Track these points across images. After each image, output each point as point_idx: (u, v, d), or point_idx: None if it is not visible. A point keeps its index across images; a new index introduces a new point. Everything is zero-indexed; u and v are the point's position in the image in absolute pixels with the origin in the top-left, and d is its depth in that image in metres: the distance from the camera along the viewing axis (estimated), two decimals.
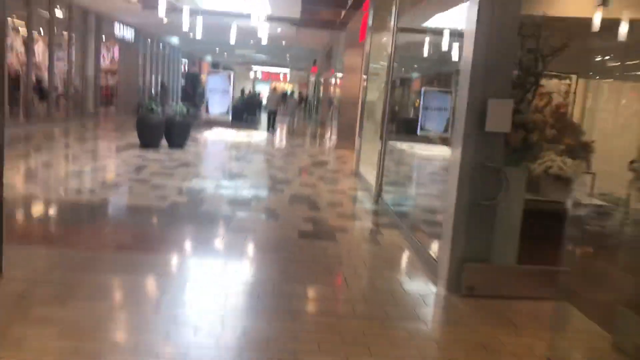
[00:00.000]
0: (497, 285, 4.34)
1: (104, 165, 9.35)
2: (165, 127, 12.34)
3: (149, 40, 26.95)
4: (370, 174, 9.56)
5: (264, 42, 16.06)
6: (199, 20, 14.82)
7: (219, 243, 5.38)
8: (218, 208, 6.82)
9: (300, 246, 5.41)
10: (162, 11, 12.01)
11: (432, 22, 6.89)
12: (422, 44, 8.61)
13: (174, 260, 4.77)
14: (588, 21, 6.22)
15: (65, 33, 17.70)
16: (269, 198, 7.71)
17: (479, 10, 4.17)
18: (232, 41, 15.58)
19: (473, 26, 4.21)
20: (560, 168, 5.03)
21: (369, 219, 7.03)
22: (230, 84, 21.26)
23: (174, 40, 31.21)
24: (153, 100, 12.29)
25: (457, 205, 4.36)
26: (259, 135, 18.31)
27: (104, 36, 21.70)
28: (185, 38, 32.74)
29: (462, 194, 4.35)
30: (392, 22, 7.92)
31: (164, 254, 4.85)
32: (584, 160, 5.35)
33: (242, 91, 39.96)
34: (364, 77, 10.84)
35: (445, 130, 7.78)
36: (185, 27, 13.47)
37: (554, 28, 4.54)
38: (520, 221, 4.40)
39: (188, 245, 5.32)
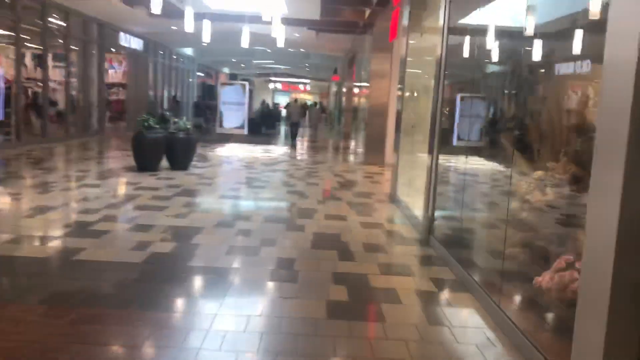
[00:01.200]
0: None
1: (82, 197, 7.59)
2: (166, 146, 10.58)
3: (161, 51, 25.47)
4: (411, 199, 7.62)
5: (280, 44, 14.22)
6: (208, 24, 13.11)
7: (196, 338, 3.47)
8: (213, 262, 4.94)
9: (333, 337, 3.49)
10: (155, 7, 10.29)
11: (497, 19, 5.09)
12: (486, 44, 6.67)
13: None
14: None
15: (61, 43, 16.18)
16: (286, 241, 5.82)
17: None
18: (245, 44, 13.74)
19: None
20: None
21: (424, 272, 5.08)
22: (245, 96, 19.53)
23: (188, 51, 29.75)
24: (151, 114, 10.51)
25: (616, 284, 2.42)
26: (277, 150, 16.49)
27: (111, 48, 20.24)
28: (200, 49, 31.33)
29: (623, 267, 2.41)
30: (441, 20, 6.04)
31: None
32: None
33: (263, 103, 38.55)
34: (399, 85, 8.92)
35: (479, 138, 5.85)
36: (189, 28, 11.72)
37: None
38: None
39: (148, 345, 3.44)
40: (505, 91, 4.95)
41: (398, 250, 5.73)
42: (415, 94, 8.39)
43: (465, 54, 5.79)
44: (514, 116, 4.68)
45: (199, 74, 35.47)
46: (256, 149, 16.76)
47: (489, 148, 5.08)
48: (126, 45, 20.76)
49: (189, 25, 11.81)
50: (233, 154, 14.91)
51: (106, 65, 27.66)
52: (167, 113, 22.63)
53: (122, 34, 20.08)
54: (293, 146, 19.61)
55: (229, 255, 5.15)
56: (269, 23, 13.29)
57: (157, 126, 10.37)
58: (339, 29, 18.33)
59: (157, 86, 25.36)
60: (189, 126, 10.88)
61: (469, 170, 5.39)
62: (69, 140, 15.89)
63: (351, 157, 16.15)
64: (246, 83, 20.02)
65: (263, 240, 5.76)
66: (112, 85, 27.29)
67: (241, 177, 10.50)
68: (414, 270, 5.06)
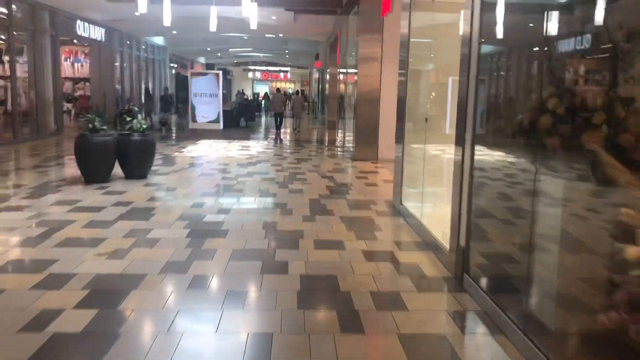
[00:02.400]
0: None
1: None
2: (118, 151, 8.74)
3: (127, 41, 23.37)
4: (423, 209, 5.91)
5: (253, 25, 12.37)
6: (168, 6, 11.19)
7: None
8: (140, 356, 3.18)
9: None
10: None
11: None
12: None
13: None
14: None
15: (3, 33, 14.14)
16: (261, 295, 4.07)
17: None
18: (214, 28, 11.88)
19: None
20: None
21: (469, 346, 3.37)
22: (219, 87, 17.63)
23: (158, 41, 27.66)
24: (99, 113, 8.63)
25: None
26: (256, 146, 14.67)
27: (68, 38, 18.18)
28: (172, 38, 29.22)
29: None
30: None
31: None
32: None
33: (239, 93, 36.57)
34: (400, 70, 7.16)
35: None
36: (142, 9, 9.84)
37: None
38: None
39: None
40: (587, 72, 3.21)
41: (422, 303, 4.00)
42: (427, 79, 6.65)
43: (517, 19, 4.03)
44: (605, 106, 2.94)
45: (172, 65, 33.35)
46: (233, 145, 14.92)
47: (564, 151, 3.35)
48: (85, 35, 18.67)
49: (142, 6, 9.91)
50: (205, 153, 13.07)
51: (70, 58, 25.65)
52: (135, 108, 20.70)
53: (79, 23, 17.99)
54: (277, 136, 18.72)
55: (168, 337, 3.37)
56: (238, 4, 11.44)
57: (105, 127, 8.51)
58: (319, 8, 16.47)
59: (125, 79, 23.31)
60: (145, 126, 9.01)
61: (525, 179, 3.66)
62: (18, 144, 13.92)
63: (339, 152, 14.40)
64: (219, 72, 18.10)
65: (228, 295, 4.00)
66: (78, 79, 25.23)
67: (210, 185, 8.70)
68: (453, 344, 3.34)
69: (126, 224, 5.95)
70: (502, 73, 4.22)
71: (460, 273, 4.38)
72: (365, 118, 12.37)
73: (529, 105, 3.60)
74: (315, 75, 36.05)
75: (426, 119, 5.97)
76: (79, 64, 25.38)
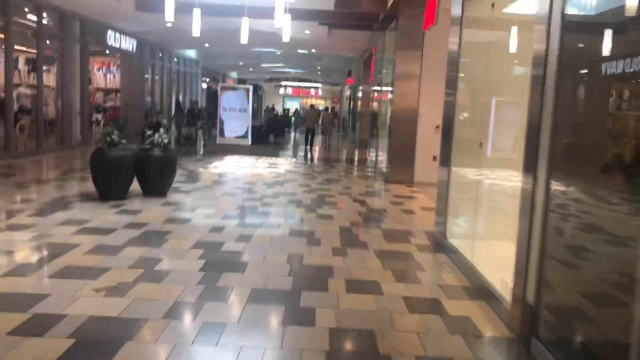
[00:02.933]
0: None
1: None
2: (137, 167, 8.16)
3: (159, 53, 23.17)
4: (472, 246, 5.11)
5: (286, 38, 11.77)
6: (198, 14, 10.69)
7: None
8: None
9: None
10: None
11: None
12: None
13: None
14: None
15: (31, 40, 13.88)
16: (282, 356, 3.33)
17: None
18: (245, 39, 11.32)
19: None
20: None
21: None
22: (248, 101, 17.11)
23: (190, 54, 27.48)
24: (119, 125, 8.08)
25: None
26: (285, 164, 14.02)
27: (99, 48, 17.97)
28: (204, 51, 29.04)
29: None
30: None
31: None
32: None
33: (270, 108, 36.23)
34: (447, 90, 6.40)
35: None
36: (170, 17, 9.32)
37: None
38: None
39: None
40: None
41: None
42: (479, 99, 5.87)
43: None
44: None
45: (205, 79, 33.18)
46: (260, 162, 14.31)
47: None
48: (116, 45, 18.42)
49: (169, 15, 9.39)
50: (231, 169, 12.46)
51: (102, 69, 25.62)
52: (164, 121, 20.31)
53: (110, 32, 17.74)
54: (307, 152, 18.71)
55: None
56: (271, 17, 10.88)
57: (124, 141, 7.95)
58: (355, 23, 15.86)
59: (156, 92, 23.05)
60: (166, 140, 8.42)
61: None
62: (41, 154, 13.56)
63: (371, 172, 13.65)
64: (249, 87, 17.60)
65: (241, 354, 3.27)
66: (109, 90, 25.14)
67: (232, 206, 8.03)
68: None
69: (135, 251, 5.29)
70: (587, 96, 3.43)
71: (527, 334, 3.57)
72: (400, 138, 11.61)
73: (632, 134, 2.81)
74: (347, 92, 35.49)
75: (480, 144, 5.19)
76: (111, 75, 25.33)
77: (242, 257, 5.31)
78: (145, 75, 21.91)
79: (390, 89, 14.11)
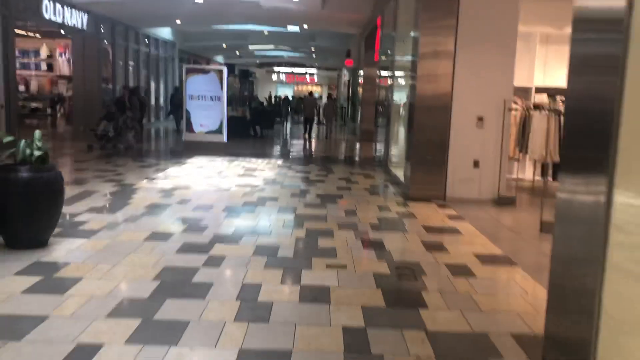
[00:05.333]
0: None
1: None
2: None
3: (123, 32, 19.50)
4: None
5: (265, 2, 8.18)
6: None
7: None
8: None
9: None
10: None
11: None
12: None
13: None
14: None
15: None
16: None
17: None
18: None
19: None
20: None
21: None
22: (222, 87, 13.50)
23: (164, 34, 23.75)
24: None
25: None
26: (265, 168, 10.48)
27: (29, 23, 14.36)
28: (180, 31, 25.32)
29: None
30: None
31: None
32: None
33: (273, 96, 32.82)
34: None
35: None
36: None
37: None
38: None
39: None
40: None
41: None
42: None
43: None
44: None
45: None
46: (234, 166, 10.76)
47: None
48: (57, 19, 14.72)
49: None
50: (186, 182, 8.89)
51: (56, 52, 21.94)
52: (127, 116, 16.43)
53: (47, 3, 14.04)
54: (307, 140, 18.05)
55: None
56: None
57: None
58: None
59: (118, 78, 19.38)
60: (39, 152, 4.86)
61: None
62: None
63: (381, 179, 10.12)
64: (222, 68, 13.96)
65: None
66: (67, 78, 21.47)
67: (150, 272, 4.47)
68: None
69: None
70: None
71: None
72: (426, 134, 8.04)
73: None
74: (345, 77, 31.82)
75: None
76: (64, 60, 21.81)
77: None
78: (104, 59, 18.22)
79: (401, 73, 10.55)
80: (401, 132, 9.97)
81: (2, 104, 12.32)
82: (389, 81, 11.98)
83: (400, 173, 9.33)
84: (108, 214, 6.38)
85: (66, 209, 6.03)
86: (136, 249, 5.06)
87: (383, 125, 13.30)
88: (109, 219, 6.14)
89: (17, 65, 22.15)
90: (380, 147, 13.22)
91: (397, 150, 10.18)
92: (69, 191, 7.44)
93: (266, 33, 24.69)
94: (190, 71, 13.79)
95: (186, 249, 5.11)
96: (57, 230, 5.29)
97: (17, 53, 22.23)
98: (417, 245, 5.54)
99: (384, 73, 13.87)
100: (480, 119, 7.95)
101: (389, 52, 12.34)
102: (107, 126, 12.92)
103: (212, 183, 8.83)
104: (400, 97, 10.69)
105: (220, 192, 8.07)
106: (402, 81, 10.67)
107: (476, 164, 7.99)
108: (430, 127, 8.00)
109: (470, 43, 7.83)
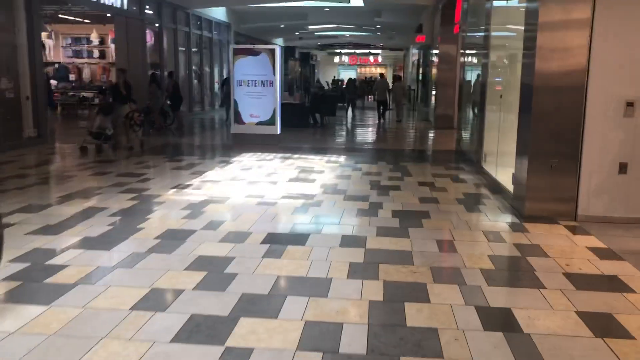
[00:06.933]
0: None
1: None
2: None
3: (171, 13, 17.89)
4: None
5: None
6: None
7: None
8: None
9: None
10: None
11: None
12: None
13: None
14: None
15: None
16: None
17: None
18: None
19: None
20: None
21: None
22: (273, 70, 11.52)
23: (218, 14, 22.02)
24: None
25: None
26: (326, 167, 8.45)
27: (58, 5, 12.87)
28: (236, 12, 23.57)
29: None
30: None
31: None
32: None
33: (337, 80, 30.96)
34: None
35: None
36: None
37: None
38: None
39: None
40: None
41: None
42: None
43: None
44: None
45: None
46: (287, 166, 8.77)
47: None
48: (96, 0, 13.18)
49: None
50: (223, 191, 6.94)
51: (108, 38, 20.68)
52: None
53: None
54: (381, 122, 17.74)
55: None
56: None
57: None
58: None
59: (166, 65, 17.83)
60: None
61: None
62: None
63: (476, 186, 7.82)
64: (275, 47, 11.94)
65: None
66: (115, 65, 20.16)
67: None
68: None
69: None
70: None
71: None
72: (549, 124, 5.67)
73: None
74: (413, 57, 29.12)
75: None
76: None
77: None
78: (148, 43, 16.64)
79: (502, 48, 8.17)
80: (505, 120, 7.58)
81: (28, 95, 10.92)
82: (482, 59, 9.52)
83: (504, 177, 7.00)
84: (99, 252, 4.50)
85: (49, 241, 4.25)
86: (113, 327, 3.12)
87: (471, 111, 10.88)
88: (97, 261, 4.27)
89: (70, 53, 21.44)
90: (466, 137, 10.81)
91: (499, 144, 7.81)
92: (69, 209, 5.69)
93: (327, 9, 22.52)
94: (238, 52, 11.90)
95: (193, 329, 3.12)
96: (14, 284, 3.47)
97: (69, 40, 21.54)
98: (573, 322, 3.30)
99: (470, 49, 11.39)
100: (631, 104, 5.52)
101: (478, 24, 9.87)
102: (104, 122, 10.33)
103: (256, 192, 6.85)
104: (501, 77, 8.29)
105: (264, 208, 6.07)
106: (504, 59, 8.26)
107: (622, 168, 5.58)
108: (555, 114, 5.64)
109: (614, 4, 5.40)
